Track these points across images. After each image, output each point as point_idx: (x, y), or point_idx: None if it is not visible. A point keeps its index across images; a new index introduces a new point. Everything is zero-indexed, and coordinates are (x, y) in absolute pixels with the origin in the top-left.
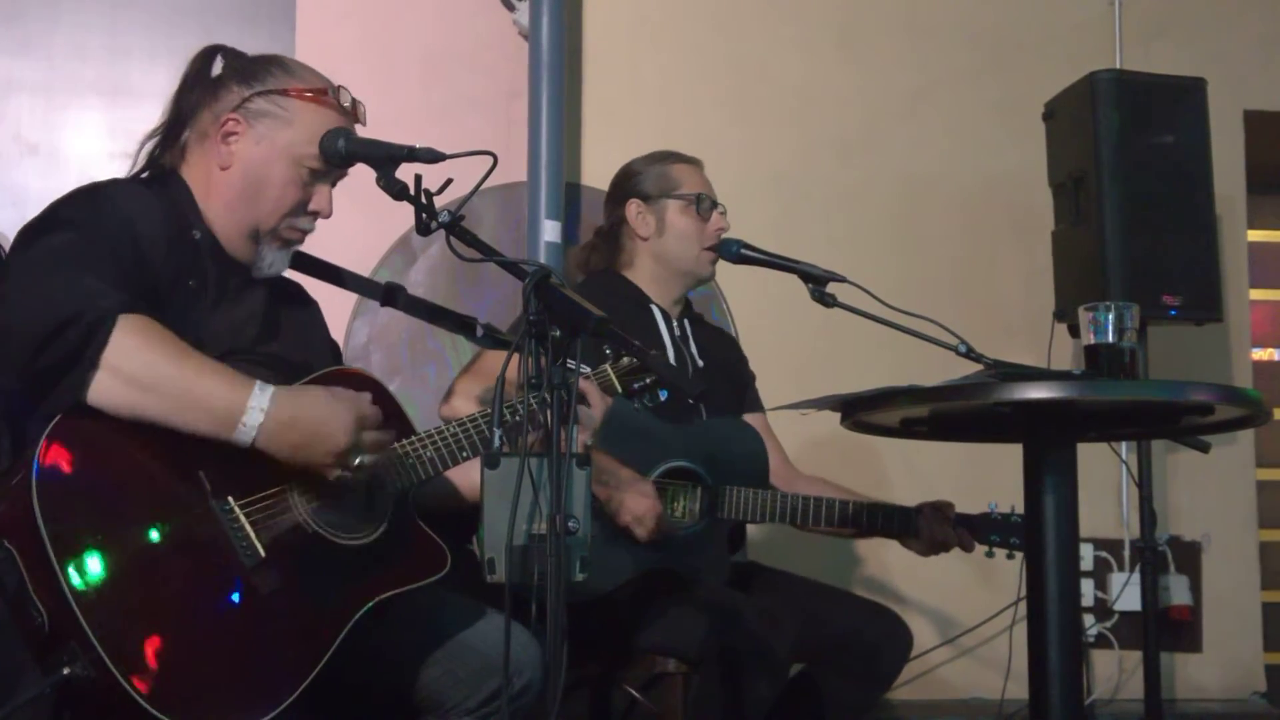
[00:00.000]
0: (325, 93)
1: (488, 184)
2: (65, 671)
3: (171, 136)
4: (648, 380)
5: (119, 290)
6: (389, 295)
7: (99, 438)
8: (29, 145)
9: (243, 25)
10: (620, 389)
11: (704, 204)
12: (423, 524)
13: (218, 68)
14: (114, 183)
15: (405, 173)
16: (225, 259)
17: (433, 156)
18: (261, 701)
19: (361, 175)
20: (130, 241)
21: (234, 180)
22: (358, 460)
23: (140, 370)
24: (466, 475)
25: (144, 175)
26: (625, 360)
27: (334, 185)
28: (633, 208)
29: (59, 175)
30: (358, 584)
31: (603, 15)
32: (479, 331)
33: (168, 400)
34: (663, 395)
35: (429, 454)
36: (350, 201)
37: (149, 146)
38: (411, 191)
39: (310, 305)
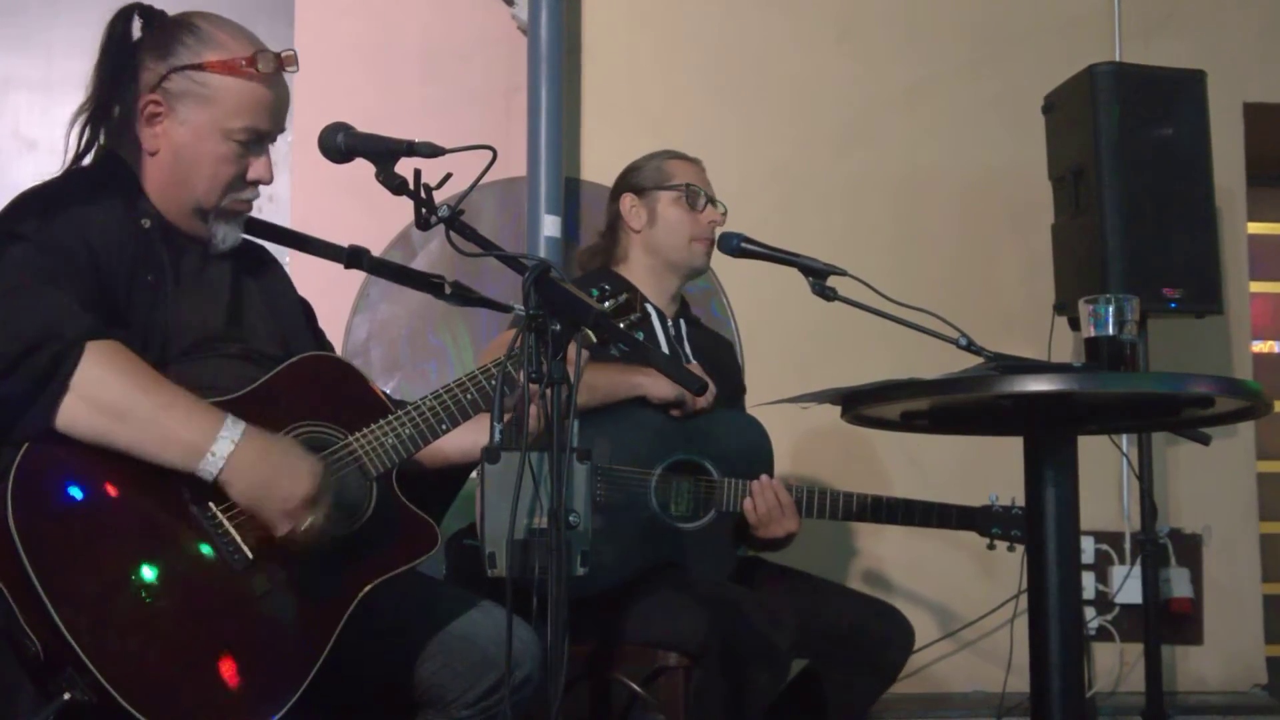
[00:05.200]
0: (239, 60)
1: (487, 179)
2: (65, 697)
3: (100, 112)
4: (622, 325)
5: (85, 309)
6: (353, 258)
7: (71, 460)
8: (28, 141)
9: (240, 21)
10: (593, 338)
11: (695, 195)
12: (408, 503)
13: (136, 30)
14: (57, 185)
15: (404, 168)
16: (177, 240)
17: (432, 151)
18: (266, 703)
19: (361, 170)
20: (85, 247)
21: (164, 164)
22: (308, 522)
23: (110, 399)
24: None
25: (85, 162)
26: (606, 303)
27: (271, 146)
28: (626, 201)
29: (58, 172)
30: (349, 572)
31: (601, 10)
32: (446, 289)
33: (137, 430)
34: (640, 336)
35: (408, 432)
36: (350, 196)
37: (78, 127)
38: (411, 186)
39: (273, 266)
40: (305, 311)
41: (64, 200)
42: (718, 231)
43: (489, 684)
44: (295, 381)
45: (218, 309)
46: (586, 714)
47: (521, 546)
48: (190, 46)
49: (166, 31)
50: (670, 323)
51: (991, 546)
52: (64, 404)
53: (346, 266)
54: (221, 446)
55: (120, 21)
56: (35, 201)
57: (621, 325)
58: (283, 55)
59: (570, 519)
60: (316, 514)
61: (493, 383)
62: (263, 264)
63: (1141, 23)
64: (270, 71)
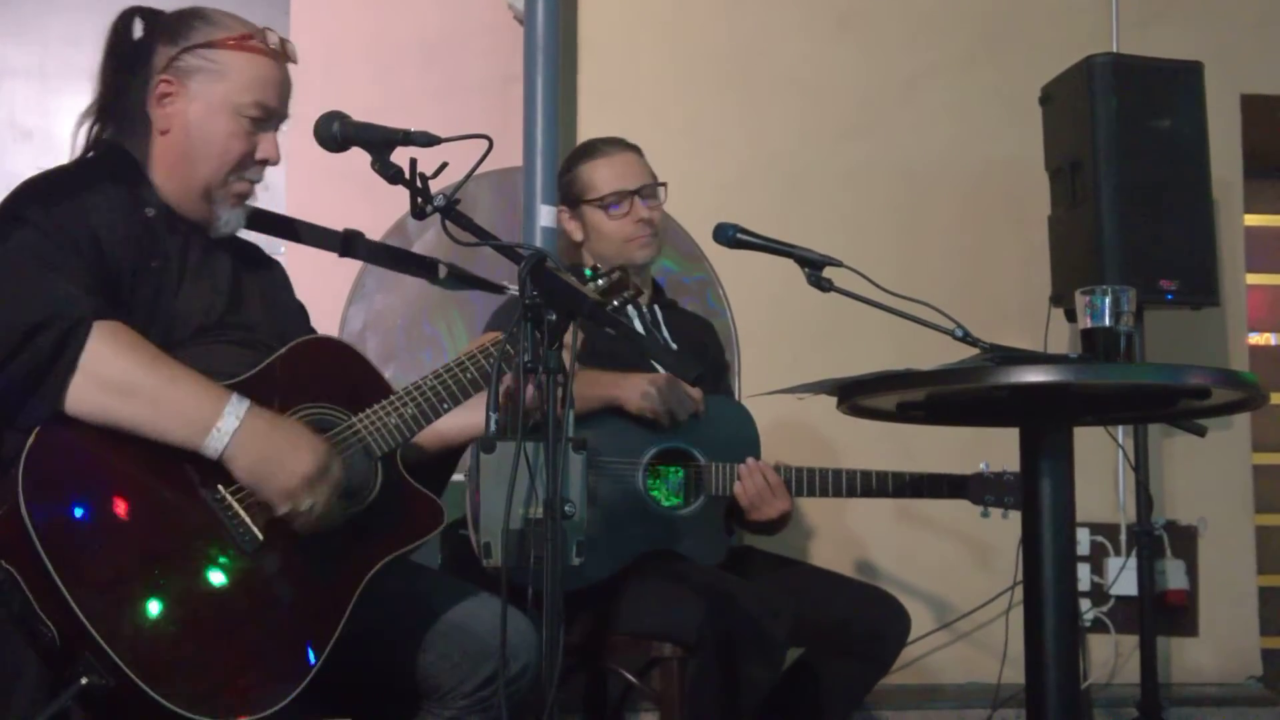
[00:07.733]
0: (250, 38)
1: (483, 168)
2: (83, 682)
3: (106, 111)
4: (616, 302)
5: (88, 293)
6: (348, 244)
7: (80, 446)
8: (23, 131)
9: (236, 10)
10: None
11: (620, 199)
12: (413, 480)
13: (138, 30)
14: (63, 172)
15: (400, 157)
16: (182, 230)
17: (428, 140)
18: (282, 682)
19: (357, 159)
20: (89, 234)
21: (176, 142)
22: (308, 504)
23: (114, 375)
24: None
25: (90, 156)
26: (599, 282)
27: (277, 130)
28: (562, 215)
29: (53, 161)
30: (359, 551)
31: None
32: (442, 272)
33: (141, 406)
34: (632, 313)
35: (410, 411)
36: (346, 185)
37: (85, 126)
38: (407, 175)
39: (273, 266)
40: (301, 312)
41: (68, 188)
42: (659, 217)
43: (486, 674)
44: (298, 364)
45: (219, 298)
46: (582, 705)
47: (517, 537)
48: (200, 29)
49: (176, 19)
50: (645, 309)
51: (985, 514)
52: (72, 385)
53: (341, 255)
54: (227, 423)
55: (122, 23)
56: (40, 188)
57: (615, 303)
58: (286, 42)
59: (566, 509)
60: (317, 496)
61: (492, 361)
62: (262, 263)
63: (1139, 14)
64: (276, 49)
